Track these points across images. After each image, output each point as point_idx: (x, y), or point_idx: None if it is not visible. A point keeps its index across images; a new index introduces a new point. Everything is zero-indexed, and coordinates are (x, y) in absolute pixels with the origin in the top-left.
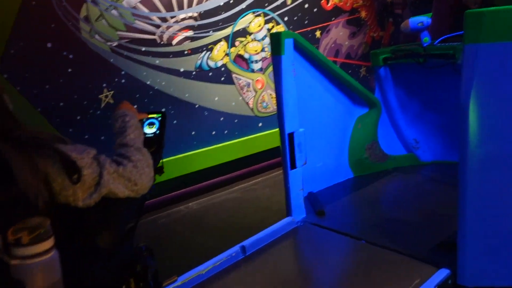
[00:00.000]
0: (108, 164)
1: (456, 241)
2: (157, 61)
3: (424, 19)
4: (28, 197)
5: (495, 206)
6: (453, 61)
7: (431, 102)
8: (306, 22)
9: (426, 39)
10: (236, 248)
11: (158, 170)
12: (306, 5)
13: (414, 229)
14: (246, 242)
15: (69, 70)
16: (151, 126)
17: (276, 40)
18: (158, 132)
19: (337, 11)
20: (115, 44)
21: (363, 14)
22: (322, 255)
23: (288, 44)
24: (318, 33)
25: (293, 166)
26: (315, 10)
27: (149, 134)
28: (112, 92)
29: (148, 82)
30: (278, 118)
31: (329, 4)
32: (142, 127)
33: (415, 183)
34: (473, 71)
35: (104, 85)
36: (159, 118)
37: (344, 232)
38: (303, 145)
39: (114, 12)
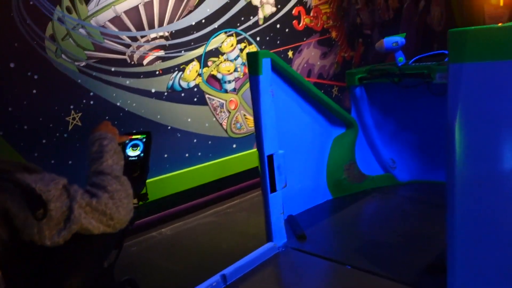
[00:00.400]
0: (80, 196)
1: (444, 263)
2: (128, 82)
3: (398, 39)
4: None
5: (485, 226)
6: (427, 81)
7: (407, 121)
8: (278, 42)
9: (401, 59)
10: (217, 277)
11: (142, 196)
12: (278, 25)
13: (398, 252)
14: (226, 271)
15: (34, 91)
16: (135, 148)
17: (253, 59)
18: (142, 155)
19: (308, 31)
20: (83, 64)
21: (333, 34)
22: (307, 282)
23: (265, 64)
24: (290, 53)
25: (273, 189)
26: (286, 30)
27: (132, 157)
28: (80, 114)
29: (118, 104)
30: (256, 140)
31: (300, 25)
32: (125, 149)
33: (395, 203)
34: (458, 90)
35: (72, 106)
36: (144, 139)
37: (328, 257)
38: (282, 167)
39: (81, 31)
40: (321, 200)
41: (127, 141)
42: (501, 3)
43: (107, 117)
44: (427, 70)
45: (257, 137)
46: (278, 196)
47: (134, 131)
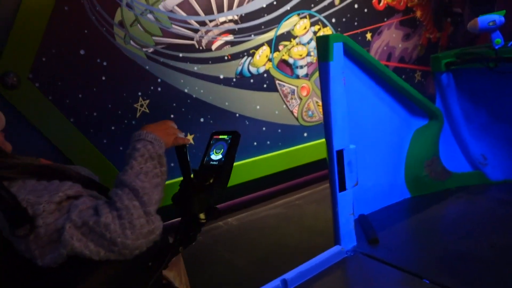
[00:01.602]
0: (77, 214)
1: None
2: (196, 68)
3: (496, 17)
4: None
5: None
6: None
7: (502, 112)
8: (355, 23)
9: (498, 40)
10: (277, 282)
11: (211, 211)
12: (356, 5)
13: (489, 268)
14: (288, 275)
15: (103, 78)
16: (218, 151)
17: (323, 44)
18: (223, 159)
19: (389, 11)
20: (151, 50)
21: (418, 13)
22: None
23: (337, 49)
24: (369, 36)
25: (343, 188)
26: (365, 10)
27: (214, 161)
28: (147, 101)
29: (186, 90)
30: (325, 133)
31: (381, 4)
32: (209, 151)
33: (485, 207)
34: None
35: (140, 93)
36: (229, 141)
37: (402, 267)
38: (354, 164)
39: (149, 16)
40: (397, 199)
41: (212, 142)
42: None
43: (174, 104)
44: None
45: (326, 130)
46: (348, 196)
47: (219, 130)
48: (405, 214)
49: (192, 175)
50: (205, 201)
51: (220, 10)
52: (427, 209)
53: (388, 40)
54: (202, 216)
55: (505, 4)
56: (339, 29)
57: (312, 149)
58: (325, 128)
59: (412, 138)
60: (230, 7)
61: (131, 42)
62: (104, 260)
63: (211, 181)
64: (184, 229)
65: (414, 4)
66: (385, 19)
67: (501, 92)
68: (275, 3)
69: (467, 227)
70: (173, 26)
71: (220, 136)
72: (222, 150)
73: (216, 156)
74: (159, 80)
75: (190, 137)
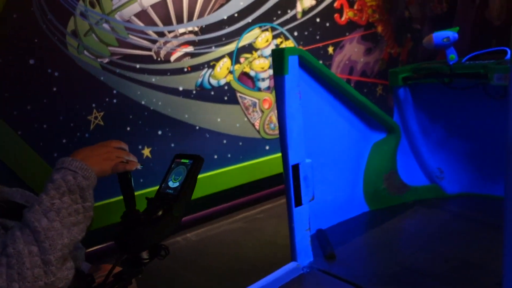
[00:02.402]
0: None
1: None
2: (153, 79)
3: (450, 34)
4: None
5: None
6: (483, 82)
7: (457, 127)
8: (318, 37)
9: (452, 56)
10: None
11: (157, 249)
12: (318, 19)
13: (444, 283)
14: None
15: (54, 89)
16: (177, 178)
17: (278, 57)
18: (179, 187)
19: (351, 25)
20: (106, 60)
21: (379, 29)
22: None
23: (292, 62)
24: (330, 49)
25: (299, 203)
26: (327, 24)
27: (169, 189)
28: (102, 113)
29: (143, 102)
30: (281, 148)
31: (342, 19)
32: (168, 177)
33: (441, 220)
34: None
35: (94, 105)
36: (189, 166)
37: (358, 284)
38: (310, 179)
39: (105, 26)
40: (356, 213)
41: (173, 166)
42: None
43: (131, 116)
44: (483, 70)
45: (281, 145)
46: (304, 211)
47: (181, 153)
48: (363, 228)
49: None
50: (150, 237)
51: (180, 21)
52: (384, 223)
53: (350, 54)
54: (145, 255)
55: (461, 22)
56: (301, 42)
57: (274, 162)
58: (281, 143)
59: (371, 152)
60: (190, 18)
61: (85, 52)
62: None
63: (159, 213)
64: (120, 270)
65: (375, 19)
66: (347, 34)
67: (456, 107)
68: (236, 15)
69: (423, 241)
70: (130, 36)
71: (182, 160)
72: (180, 177)
73: (173, 183)
74: (114, 91)
75: (147, 150)
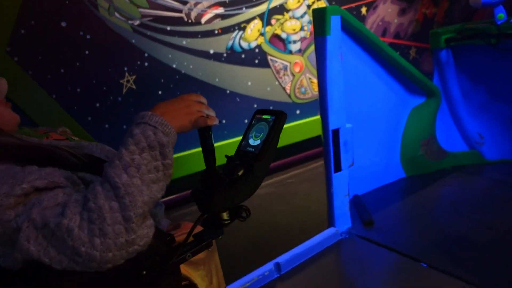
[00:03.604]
0: (38, 212)
1: None
2: (184, 42)
3: None
4: None
5: None
6: None
7: (501, 91)
8: None
9: (501, 15)
10: (270, 265)
11: (238, 210)
12: None
13: (487, 251)
14: (281, 258)
15: (87, 52)
16: (258, 135)
17: (320, 17)
18: (261, 146)
19: None
20: (137, 23)
21: None
22: (373, 277)
23: (334, 23)
24: (363, 10)
25: (338, 168)
26: None
27: (250, 147)
28: (134, 76)
29: (174, 66)
30: (320, 112)
31: None
32: (248, 134)
33: (482, 187)
34: None
35: (126, 68)
36: (271, 123)
37: (399, 250)
38: (350, 144)
39: None
40: (392, 179)
41: (253, 122)
42: None
43: (162, 80)
44: None
45: (321, 109)
46: (344, 176)
47: (266, 109)
48: (400, 195)
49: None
50: (230, 198)
51: None
52: (422, 189)
53: (383, 15)
54: (225, 216)
55: None
56: (333, 2)
57: (305, 127)
58: (321, 107)
59: (409, 117)
60: None
61: (116, 14)
62: (69, 270)
63: (240, 173)
64: (201, 230)
65: None
66: None
67: (502, 70)
68: None
69: (463, 209)
70: None
71: (263, 116)
72: (262, 134)
73: (254, 141)
74: (146, 54)
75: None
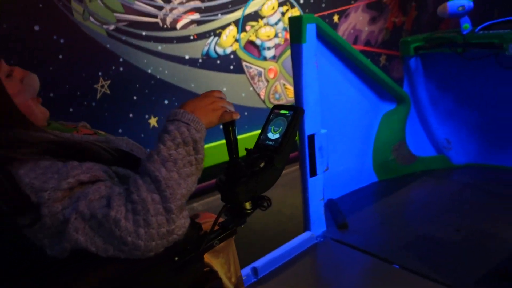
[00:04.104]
0: (85, 204)
1: None
2: (160, 47)
3: (465, 2)
4: None
5: None
6: (497, 52)
7: (467, 97)
8: (323, 5)
9: (466, 25)
10: (247, 270)
11: (259, 200)
12: None
13: (457, 252)
14: (258, 263)
15: (60, 56)
16: (277, 129)
17: (296, 25)
18: (280, 139)
19: None
20: (112, 27)
21: None
22: (348, 280)
23: (310, 31)
24: (336, 18)
25: (313, 173)
26: None
27: (270, 141)
28: (109, 81)
29: (149, 71)
30: None
31: None
32: (267, 128)
33: (450, 190)
34: None
35: (100, 73)
36: (290, 117)
37: (373, 253)
38: (325, 149)
39: None
40: (365, 183)
41: (271, 116)
42: None
43: (137, 85)
44: (498, 40)
45: None
46: (319, 181)
47: (283, 104)
48: (373, 198)
49: (244, 154)
50: (252, 188)
51: None
52: (394, 193)
53: (355, 23)
54: (247, 205)
55: None
56: (306, 10)
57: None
58: None
59: (381, 123)
60: None
61: (90, 18)
62: (114, 258)
63: (261, 165)
64: (225, 219)
65: None
66: (352, 2)
67: (467, 77)
68: None
69: (433, 211)
70: (136, 2)
71: (281, 111)
72: (280, 128)
73: (273, 134)
74: (121, 59)
75: (153, 120)
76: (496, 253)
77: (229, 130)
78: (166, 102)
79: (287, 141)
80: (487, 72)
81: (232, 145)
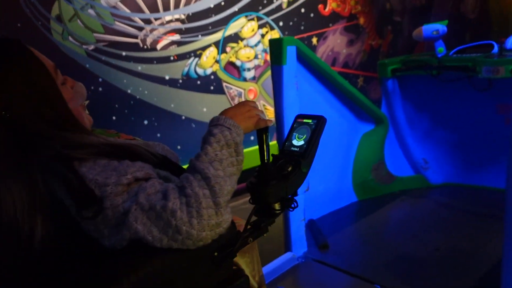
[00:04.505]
0: (144, 197)
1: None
2: (140, 68)
3: (439, 27)
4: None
5: None
6: (470, 74)
7: (443, 118)
8: (302, 28)
9: (441, 49)
10: None
11: (287, 201)
12: (303, 10)
13: (436, 270)
14: None
15: None
16: (301, 137)
17: (276, 47)
18: (305, 146)
19: (334, 17)
20: (91, 47)
21: (361, 20)
22: None
23: (290, 53)
24: (314, 40)
25: (294, 193)
26: (312, 15)
27: (295, 147)
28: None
29: (129, 91)
30: (277, 138)
31: (326, 9)
32: (292, 136)
33: (428, 209)
34: None
35: None
36: (313, 126)
37: (354, 273)
38: None
39: (90, 11)
40: (345, 203)
41: (295, 125)
42: None
43: (116, 105)
44: (471, 63)
45: (278, 135)
46: (299, 201)
47: (303, 114)
48: (353, 218)
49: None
50: (281, 190)
51: (166, 8)
52: (374, 212)
53: (333, 45)
54: (277, 206)
55: (439, 16)
56: (286, 32)
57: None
58: (278, 133)
59: (360, 143)
60: (176, 6)
61: (70, 38)
62: (166, 247)
63: (289, 169)
64: (257, 219)
65: (357, 11)
66: (330, 25)
67: (442, 99)
68: (223, 3)
69: (412, 230)
70: (116, 22)
71: (304, 120)
72: (305, 136)
73: (298, 141)
74: (100, 79)
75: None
76: (474, 271)
77: (262, 136)
78: (145, 122)
79: (312, 147)
80: (462, 94)
81: (264, 150)
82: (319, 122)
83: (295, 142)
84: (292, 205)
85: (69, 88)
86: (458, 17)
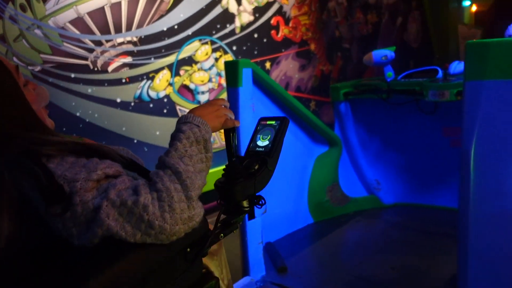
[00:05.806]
0: (115, 193)
1: None
2: (90, 90)
3: (387, 52)
4: None
5: (503, 262)
6: (418, 98)
7: (394, 140)
8: (255, 52)
9: (390, 73)
10: None
11: (253, 199)
12: (256, 35)
13: None
14: None
15: None
16: (266, 137)
17: (232, 69)
18: (270, 145)
19: (287, 42)
20: (38, 68)
21: (312, 46)
22: None
23: (246, 75)
24: (268, 65)
25: (252, 216)
26: (265, 40)
27: (259, 147)
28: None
29: (78, 114)
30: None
31: (279, 35)
32: (256, 137)
33: (381, 229)
34: (476, 111)
35: None
36: (277, 126)
37: None
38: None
39: (37, 32)
40: (301, 225)
41: (259, 127)
42: (474, 24)
43: (64, 129)
44: (419, 87)
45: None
46: (257, 224)
47: (269, 116)
48: (310, 239)
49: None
50: (249, 188)
51: (118, 30)
52: (330, 234)
53: (285, 70)
54: (245, 203)
55: (385, 44)
56: (239, 56)
57: (214, 176)
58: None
59: (314, 165)
60: (129, 28)
61: (14, 59)
62: (139, 243)
63: (256, 167)
64: (226, 216)
65: (308, 37)
66: (283, 50)
67: (393, 121)
68: (176, 27)
69: (368, 250)
70: (65, 44)
71: (268, 122)
72: (269, 136)
73: (262, 142)
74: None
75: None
76: (432, 286)
77: (229, 135)
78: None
79: (277, 145)
80: (410, 117)
81: (231, 149)
82: (283, 122)
83: (259, 143)
84: (260, 202)
85: (31, 90)
86: (402, 45)
